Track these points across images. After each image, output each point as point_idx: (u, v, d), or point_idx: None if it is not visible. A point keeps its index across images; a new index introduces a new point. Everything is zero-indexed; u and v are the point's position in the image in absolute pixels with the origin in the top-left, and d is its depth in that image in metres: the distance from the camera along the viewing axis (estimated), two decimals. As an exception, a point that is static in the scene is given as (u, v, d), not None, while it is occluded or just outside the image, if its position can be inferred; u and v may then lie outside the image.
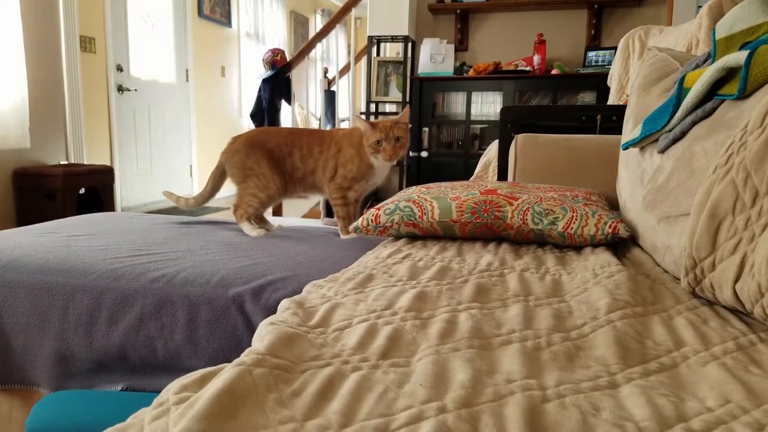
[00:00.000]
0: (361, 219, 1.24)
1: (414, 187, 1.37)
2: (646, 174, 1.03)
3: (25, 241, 1.45)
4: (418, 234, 1.19)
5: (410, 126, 4.18)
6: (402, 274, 0.88)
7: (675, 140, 0.92)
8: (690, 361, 0.61)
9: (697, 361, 0.61)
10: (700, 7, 3.48)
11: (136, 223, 1.74)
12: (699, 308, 0.77)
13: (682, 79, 0.96)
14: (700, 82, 0.89)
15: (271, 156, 1.67)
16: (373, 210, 1.23)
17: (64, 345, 1.20)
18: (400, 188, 4.25)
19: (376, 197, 4.38)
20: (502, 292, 0.82)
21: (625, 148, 1.12)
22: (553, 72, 3.90)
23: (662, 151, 0.96)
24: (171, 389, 0.52)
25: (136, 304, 1.17)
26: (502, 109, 1.80)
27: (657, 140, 1.01)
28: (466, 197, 1.17)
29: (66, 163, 3.92)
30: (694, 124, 0.89)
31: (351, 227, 1.27)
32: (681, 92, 0.94)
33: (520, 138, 1.63)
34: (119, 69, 4.46)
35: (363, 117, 1.57)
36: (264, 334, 0.63)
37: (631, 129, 1.22)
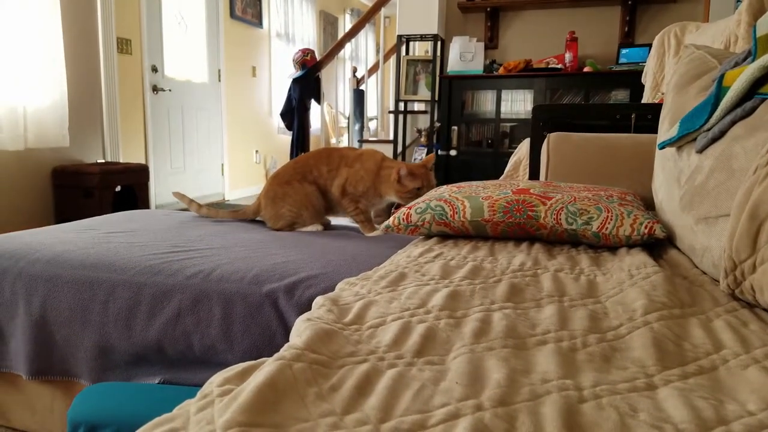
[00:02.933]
0: (392, 218, 1.25)
1: (445, 186, 1.37)
2: (683, 174, 1.01)
3: (67, 238, 1.50)
4: (449, 233, 1.20)
5: (438, 125, 4.16)
6: (434, 273, 0.89)
7: (714, 140, 0.91)
8: (730, 364, 0.60)
9: (737, 364, 0.60)
10: (738, 2, 3.40)
11: (171, 221, 1.78)
12: (739, 311, 0.75)
13: (721, 77, 0.94)
14: (740, 80, 0.88)
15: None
16: (404, 209, 1.23)
17: (105, 338, 1.24)
18: (429, 187, 4.25)
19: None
20: (536, 292, 0.81)
21: (662, 148, 1.10)
22: (586, 69, 3.85)
23: (700, 151, 0.94)
24: (214, 382, 0.54)
25: (174, 299, 1.20)
26: (534, 108, 1.78)
27: (695, 140, 0.99)
28: (498, 196, 1.16)
29: (103, 161, 4.02)
30: (733, 123, 0.87)
31: (382, 226, 1.28)
32: (720, 91, 0.93)
33: (552, 137, 1.62)
34: (154, 70, 4.55)
35: (399, 162, 1.62)
36: (302, 330, 0.64)
37: (667, 128, 1.20)
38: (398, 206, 4.26)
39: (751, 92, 0.86)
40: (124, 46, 4.21)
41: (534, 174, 1.72)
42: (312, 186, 1.70)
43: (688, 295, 0.80)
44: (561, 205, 1.10)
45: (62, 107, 3.56)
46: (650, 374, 0.57)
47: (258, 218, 1.81)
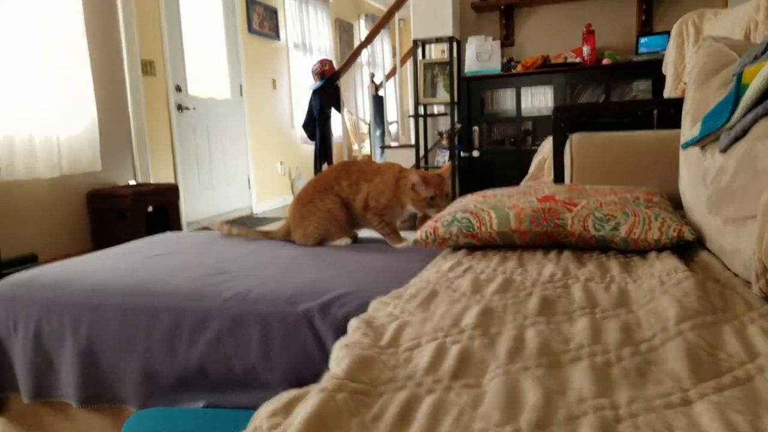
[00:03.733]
0: (419, 232, 1.26)
1: (469, 196, 1.38)
2: (708, 174, 1.01)
3: (107, 265, 1.55)
4: (477, 244, 1.21)
5: (459, 127, 4.16)
6: (465, 289, 0.90)
7: (737, 138, 0.90)
8: (766, 374, 0.60)
9: (772, 372, 0.60)
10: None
11: (204, 242, 1.82)
12: (772, 314, 0.75)
13: (740, 74, 0.94)
14: (759, 77, 0.87)
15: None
16: (430, 222, 1.25)
17: (149, 363, 1.28)
18: (453, 189, 4.24)
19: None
20: (567, 304, 0.82)
21: (685, 147, 1.10)
22: (605, 62, 3.81)
23: (724, 150, 0.94)
24: (262, 414, 0.56)
25: (214, 322, 1.23)
26: (554, 109, 1.78)
27: (718, 138, 0.99)
28: (523, 205, 1.17)
29: (134, 183, 4.12)
30: (755, 121, 0.87)
31: (411, 240, 1.30)
32: (739, 88, 0.92)
33: (575, 138, 1.61)
34: (178, 89, 4.64)
35: (415, 170, 1.63)
36: (341, 358, 0.66)
37: (690, 126, 1.20)
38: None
39: (772, 91, 0.85)
40: (148, 68, 4.31)
41: (558, 175, 1.71)
42: (336, 198, 1.72)
43: (721, 300, 0.80)
44: (587, 212, 1.10)
45: (93, 132, 3.66)
46: (685, 388, 0.58)
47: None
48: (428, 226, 1.24)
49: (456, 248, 1.25)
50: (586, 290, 0.87)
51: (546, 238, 1.14)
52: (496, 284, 0.91)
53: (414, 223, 4.16)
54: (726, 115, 0.92)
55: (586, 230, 1.09)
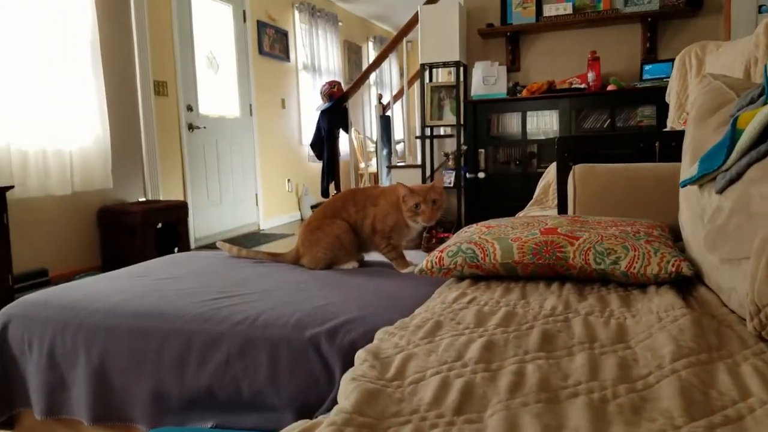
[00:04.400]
0: (425, 261, 1.29)
1: (474, 226, 1.41)
2: (705, 212, 1.03)
3: (120, 287, 1.58)
4: (481, 275, 1.23)
5: (465, 148, 4.20)
6: (469, 321, 0.93)
7: (732, 181, 0.93)
8: (757, 413, 0.63)
9: (764, 413, 0.63)
10: (762, 9, 3.37)
11: (214, 264, 1.85)
12: (767, 353, 0.77)
13: (735, 119, 0.97)
14: (752, 124, 0.90)
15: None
16: (436, 252, 1.28)
17: (159, 385, 1.31)
18: (459, 211, 4.27)
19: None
20: (567, 339, 0.85)
21: (683, 186, 1.13)
22: (610, 88, 3.85)
23: (720, 192, 0.97)
24: (272, 447, 0.59)
25: (223, 346, 1.26)
26: (557, 140, 1.81)
27: (714, 179, 1.02)
28: (526, 237, 1.20)
29: (144, 200, 4.17)
30: (749, 165, 0.90)
31: (416, 270, 1.33)
32: (734, 132, 0.95)
33: (577, 169, 1.65)
34: (189, 109, 4.72)
35: (403, 184, 1.67)
36: (349, 392, 0.69)
37: (689, 162, 1.23)
38: (430, 232, 4.23)
39: (764, 136, 0.89)
40: (160, 88, 4.38)
41: (562, 205, 1.74)
42: (344, 223, 1.76)
43: (716, 337, 0.83)
44: (588, 245, 1.13)
45: (105, 150, 3.72)
46: (677, 426, 0.60)
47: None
48: (434, 255, 1.27)
49: (461, 278, 1.28)
50: (585, 324, 0.90)
51: (548, 270, 1.17)
52: (499, 317, 0.94)
53: (420, 242, 4.19)
54: (722, 157, 0.95)
55: (587, 263, 1.12)
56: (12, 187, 2.86)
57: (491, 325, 0.91)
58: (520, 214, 2.56)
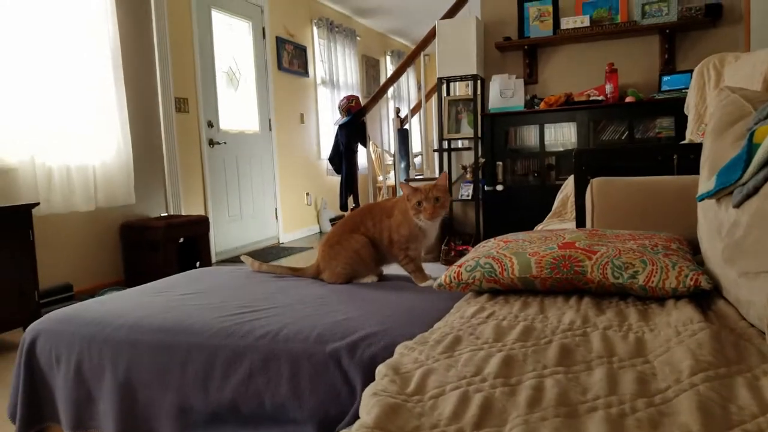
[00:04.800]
0: (443, 276, 1.31)
1: (492, 241, 1.42)
2: (723, 226, 1.04)
3: (144, 302, 1.62)
4: (499, 289, 1.25)
5: (482, 161, 4.21)
6: (487, 336, 0.94)
7: (749, 195, 0.94)
8: (774, 428, 0.63)
9: (782, 427, 0.63)
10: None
11: (235, 279, 1.89)
12: (785, 367, 0.77)
13: (752, 133, 0.98)
14: (771, 139, 0.91)
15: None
16: (454, 267, 1.29)
17: (184, 399, 1.33)
18: (477, 223, 4.28)
19: (451, 231, 4.43)
20: (585, 353, 0.86)
21: (701, 200, 1.13)
22: (628, 99, 3.85)
23: (737, 206, 0.97)
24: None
25: (246, 360, 1.29)
26: (575, 153, 1.82)
27: (731, 193, 1.02)
28: (544, 252, 1.21)
29: (166, 215, 4.24)
30: (766, 180, 0.90)
31: (435, 284, 1.34)
32: (751, 147, 0.96)
33: (595, 183, 1.65)
34: (210, 125, 4.80)
35: (408, 183, 1.69)
36: (370, 406, 0.70)
37: (707, 176, 1.23)
38: (449, 240, 4.23)
39: (782, 150, 0.89)
40: (181, 105, 4.47)
41: (580, 218, 1.75)
42: (362, 238, 1.78)
43: (735, 351, 0.83)
44: (606, 260, 1.14)
45: (128, 167, 3.80)
46: (696, 441, 0.61)
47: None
48: (452, 270, 1.29)
49: (479, 292, 1.29)
50: (604, 339, 0.90)
51: (566, 284, 1.18)
52: (517, 332, 0.95)
53: (438, 255, 4.20)
54: (739, 171, 0.96)
55: (605, 278, 1.13)
56: (38, 204, 2.93)
57: (510, 339, 0.92)
58: (539, 226, 2.56)
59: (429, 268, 1.84)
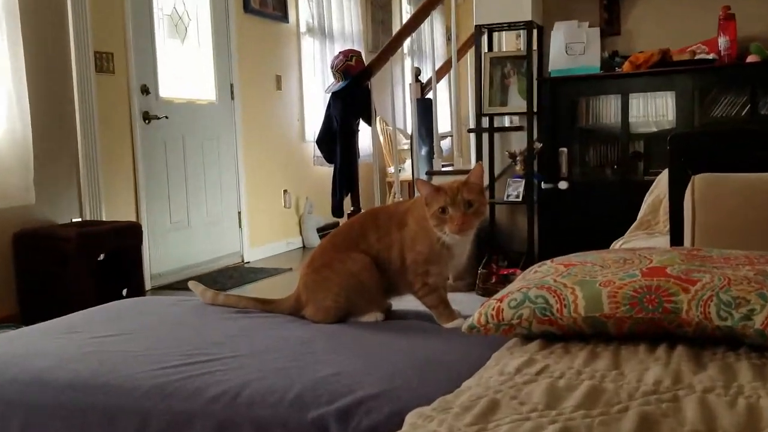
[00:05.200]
0: (476, 314, 1.32)
1: (549, 263, 1.44)
2: None
3: (47, 347, 1.64)
4: (556, 333, 1.26)
5: (539, 147, 4.22)
6: (537, 401, 0.96)
7: None
8: None
9: None
10: None
11: (181, 314, 1.91)
12: None
13: None
14: None
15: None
16: (493, 301, 1.31)
17: (103, 484, 1.36)
18: (531, 237, 4.28)
19: (492, 247, 4.40)
20: (676, 426, 0.87)
21: None
22: (750, 58, 3.85)
23: None
24: None
25: (192, 431, 1.31)
26: (670, 137, 1.84)
27: None
28: (622, 281, 1.23)
29: (80, 221, 4.26)
30: None
31: (465, 325, 1.36)
32: None
33: (698, 181, 1.67)
34: (145, 91, 4.83)
35: (426, 179, 1.68)
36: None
37: None
38: (489, 260, 4.23)
39: None
40: (104, 62, 4.48)
41: (676, 232, 1.76)
42: (362, 257, 1.78)
43: None
44: (710, 293, 1.15)
45: (25, 151, 3.73)
46: None
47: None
48: (490, 305, 1.31)
49: (528, 337, 1.31)
50: (702, 406, 0.92)
51: (652, 327, 1.19)
52: (580, 394, 0.97)
53: (474, 282, 4.20)
54: None
55: (707, 318, 1.14)
56: None
57: (568, 407, 0.94)
58: (618, 243, 2.57)
59: (458, 300, 1.85)
